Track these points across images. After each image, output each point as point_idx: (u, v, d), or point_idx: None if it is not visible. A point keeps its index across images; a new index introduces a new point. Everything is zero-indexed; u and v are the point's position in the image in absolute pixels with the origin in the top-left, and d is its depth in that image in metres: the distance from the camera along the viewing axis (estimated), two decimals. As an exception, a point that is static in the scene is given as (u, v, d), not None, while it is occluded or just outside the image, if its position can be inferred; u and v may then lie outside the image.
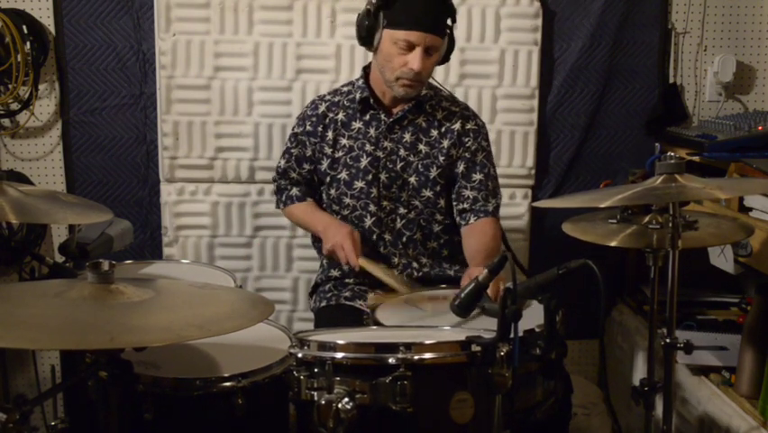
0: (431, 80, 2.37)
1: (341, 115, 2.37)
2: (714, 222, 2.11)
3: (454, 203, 2.37)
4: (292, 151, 2.42)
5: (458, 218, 2.37)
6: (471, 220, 2.33)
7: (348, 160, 2.34)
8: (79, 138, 3.01)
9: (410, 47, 2.17)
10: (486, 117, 2.85)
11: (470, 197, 2.34)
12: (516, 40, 2.98)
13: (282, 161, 2.46)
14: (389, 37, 2.18)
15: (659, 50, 3.09)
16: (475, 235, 2.31)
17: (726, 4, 3.09)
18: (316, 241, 2.49)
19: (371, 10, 2.19)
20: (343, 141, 2.35)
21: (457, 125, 2.35)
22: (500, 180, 2.46)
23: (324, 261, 2.48)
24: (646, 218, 2.02)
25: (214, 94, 2.94)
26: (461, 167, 2.34)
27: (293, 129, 2.45)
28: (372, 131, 2.33)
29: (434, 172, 2.33)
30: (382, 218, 2.35)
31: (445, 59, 2.33)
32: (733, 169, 2.47)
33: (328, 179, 2.37)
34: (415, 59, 2.17)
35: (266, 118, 2.96)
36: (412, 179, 2.33)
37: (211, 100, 2.94)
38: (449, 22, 2.24)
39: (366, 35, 2.23)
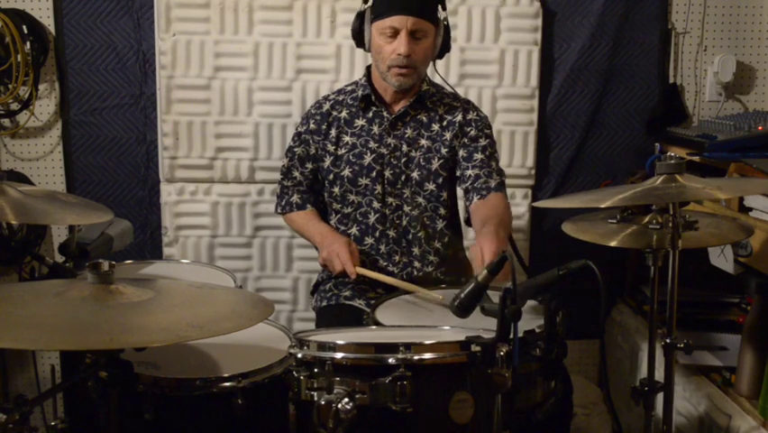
0: (433, 77, 2.40)
1: (344, 113, 2.38)
2: (714, 222, 2.11)
3: (459, 186, 2.36)
4: (295, 150, 2.43)
5: (465, 202, 2.34)
6: (475, 199, 2.28)
7: (351, 157, 2.35)
8: (79, 138, 3.01)
9: (395, 33, 2.22)
10: (486, 117, 2.85)
11: (472, 175, 2.31)
12: (516, 40, 2.98)
13: (286, 160, 2.46)
14: (376, 29, 2.25)
15: (659, 50, 3.09)
16: (485, 207, 2.24)
17: (726, 4, 3.09)
18: None
19: (360, 11, 2.28)
20: (347, 138, 2.37)
21: (459, 117, 2.36)
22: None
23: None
24: (646, 218, 2.02)
25: (214, 94, 2.94)
26: (461, 152, 2.34)
27: (297, 128, 2.46)
28: (376, 128, 2.35)
29: (435, 164, 2.33)
30: (387, 215, 2.35)
31: (442, 53, 2.33)
32: (733, 169, 2.47)
33: (331, 176, 2.38)
34: (401, 43, 2.21)
35: (266, 118, 2.96)
36: (414, 174, 2.34)
37: (211, 100, 2.95)
38: (439, 10, 2.27)
39: (358, 35, 2.31)
